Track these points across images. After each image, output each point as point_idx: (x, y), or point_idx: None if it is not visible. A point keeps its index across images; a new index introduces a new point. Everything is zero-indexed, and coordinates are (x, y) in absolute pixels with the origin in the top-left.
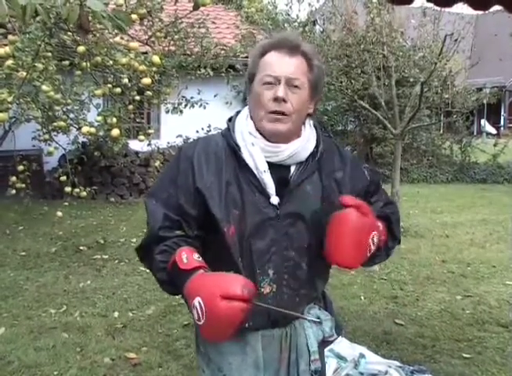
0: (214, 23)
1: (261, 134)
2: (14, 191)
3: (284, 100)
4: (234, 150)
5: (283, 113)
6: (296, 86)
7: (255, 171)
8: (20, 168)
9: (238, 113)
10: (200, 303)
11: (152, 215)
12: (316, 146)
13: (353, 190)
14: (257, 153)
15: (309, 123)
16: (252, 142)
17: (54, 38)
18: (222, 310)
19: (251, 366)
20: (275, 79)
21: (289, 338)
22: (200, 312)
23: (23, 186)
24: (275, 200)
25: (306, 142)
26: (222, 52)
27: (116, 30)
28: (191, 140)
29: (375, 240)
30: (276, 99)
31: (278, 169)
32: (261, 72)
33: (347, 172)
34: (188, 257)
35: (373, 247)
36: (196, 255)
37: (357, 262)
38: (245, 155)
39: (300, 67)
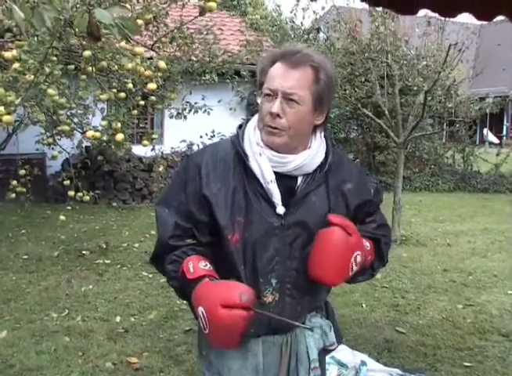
0: (220, 29)
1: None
2: (14, 195)
3: (279, 116)
4: (242, 159)
5: (276, 128)
6: (293, 100)
7: (262, 181)
8: (22, 172)
9: (248, 120)
10: (202, 313)
11: (163, 224)
12: (325, 158)
13: (359, 204)
14: (264, 164)
15: (320, 134)
16: (260, 152)
17: (62, 42)
18: (223, 319)
19: (251, 372)
20: (273, 92)
21: (289, 344)
22: (203, 322)
23: (24, 190)
24: (281, 210)
25: (315, 154)
26: (229, 58)
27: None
28: (194, 146)
29: (358, 259)
30: (271, 114)
31: (285, 179)
32: (265, 83)
33: (354, 185)
34: (194, 266)
35: (355, 267)
36: (202, 263)
37: (337, 280)
38: (252, 165)
39: (301, 81)
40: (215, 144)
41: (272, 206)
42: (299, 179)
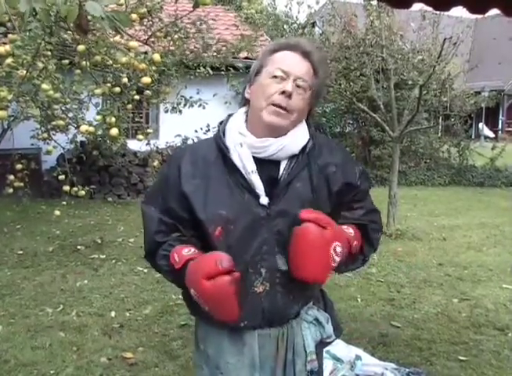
0: (214, 20)
1: (251, 131)
2: (11, 190)
3: (290, 96)
4: (223, 152)
5: (285, 109)
6: (300, 87)
7: (243, 172)
8: (19, 166)
9: (230, 115)
10: (194, 293)
11: (148, 221)
12: (307, 141)
13: (341, 189)
14: (245, 154)
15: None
16: (241, 142)
17: (54, 37)
18: (211, 290)
19: (248, 366)
20: (285, 74)
21: (285, 337)
22: (200, 302)
23: (21, 184)
24: (264, 200)
25: (295, 135)
26: (224, 48)
27: (114, 31)
28: (189, 140)
29: (338, 250)
30: (284, 93)
31: (267, 167)
32: (271, 65)
33: (339, 168)
34: (178, 255)
35: (337, 258)
36: (185, 250)
37: (320, 277)
38: (234, 156)
39: (309, 72)
40: (197, 142)
41: (256, 197)
42: (282, 165)
